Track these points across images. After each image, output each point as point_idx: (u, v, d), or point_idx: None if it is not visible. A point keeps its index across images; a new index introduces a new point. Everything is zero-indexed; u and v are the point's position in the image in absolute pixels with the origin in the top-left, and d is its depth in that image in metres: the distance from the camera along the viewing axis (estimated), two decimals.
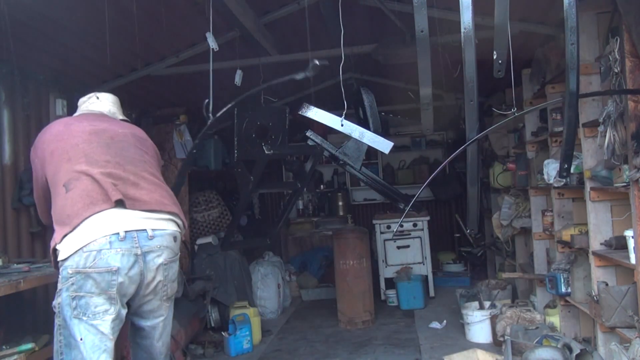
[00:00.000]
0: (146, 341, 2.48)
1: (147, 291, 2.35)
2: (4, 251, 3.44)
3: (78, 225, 2.19)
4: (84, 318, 2.17)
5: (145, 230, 2.29)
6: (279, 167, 8.45)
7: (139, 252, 2.26)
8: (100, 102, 2.75)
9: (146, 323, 2.45)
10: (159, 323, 2.47)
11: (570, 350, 3.25)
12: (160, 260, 2.33)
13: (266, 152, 3.27)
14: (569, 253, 3.89)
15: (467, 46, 2.24)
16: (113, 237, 2.20)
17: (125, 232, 2.23)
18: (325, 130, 4.08)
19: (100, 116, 2.66)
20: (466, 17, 2.21)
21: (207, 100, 2.86)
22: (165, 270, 2.37)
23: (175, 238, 2.43)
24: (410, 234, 6.40)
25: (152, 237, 2.30)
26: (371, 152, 5.74)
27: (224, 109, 2.85)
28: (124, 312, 2.30)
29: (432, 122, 2.88)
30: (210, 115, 2.86)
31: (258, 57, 4.31)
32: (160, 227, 2.36)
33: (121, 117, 2.77)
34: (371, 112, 3.76)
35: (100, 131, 2.49)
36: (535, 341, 3.61)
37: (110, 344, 2.21)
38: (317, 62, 2.79)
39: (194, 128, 5.91)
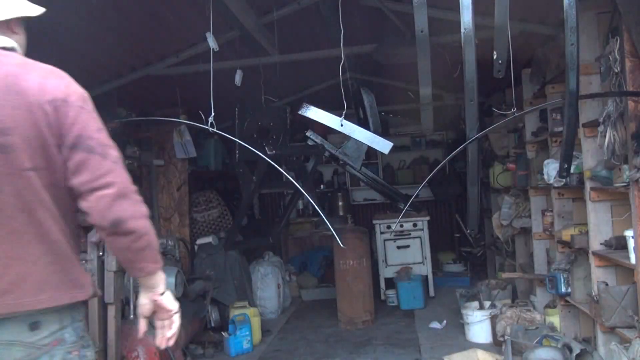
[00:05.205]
0: None
1: None
2: None
3: None
4: None
5: None
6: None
7: None
8: None
9: None
10: None
11: (570, 350, 3.25)
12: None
13: (268, 152, 3.28)
14: (569, 253, 3.89)
15: (467, 46, 2.25)
16: None
17: None
18: (325, 130, 4.08)
19: None
20: (466, 17, 2.22)
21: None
22: None
23: (34, 324, 1.53)
24: (410, 234, 6.39)
25: None
26: (371, 152, 5.74)
27: None
28: None
29: (432, 122, 2.89)
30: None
31: (258, 57, 4.31)
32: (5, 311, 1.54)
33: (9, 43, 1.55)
34: (371, 112, 3.77)
35: None
36: (535, 341, 3.61)
37: None
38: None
39: (194, 128, 5.91)
